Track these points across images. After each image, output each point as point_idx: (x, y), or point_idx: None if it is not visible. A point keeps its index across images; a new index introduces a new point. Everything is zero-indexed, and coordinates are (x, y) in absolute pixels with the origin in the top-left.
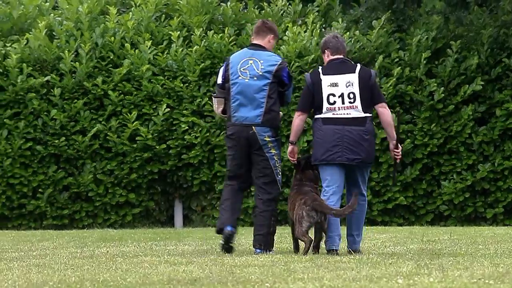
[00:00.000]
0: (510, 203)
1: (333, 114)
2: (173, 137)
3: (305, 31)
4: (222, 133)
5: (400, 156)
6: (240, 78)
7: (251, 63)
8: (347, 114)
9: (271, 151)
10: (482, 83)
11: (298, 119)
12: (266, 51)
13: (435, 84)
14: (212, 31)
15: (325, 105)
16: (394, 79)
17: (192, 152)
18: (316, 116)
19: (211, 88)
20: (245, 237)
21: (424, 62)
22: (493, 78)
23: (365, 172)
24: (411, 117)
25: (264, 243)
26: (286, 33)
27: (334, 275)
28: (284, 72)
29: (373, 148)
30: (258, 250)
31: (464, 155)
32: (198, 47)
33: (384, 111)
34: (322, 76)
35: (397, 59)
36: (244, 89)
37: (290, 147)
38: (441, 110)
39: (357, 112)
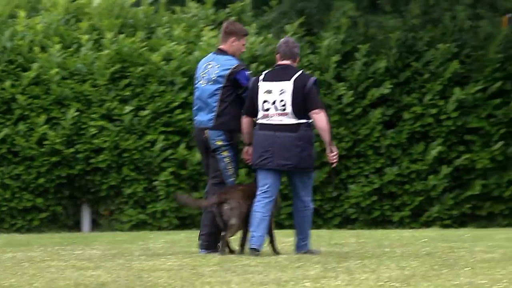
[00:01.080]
0: (417, 206)
1: (267, 120)
2: (81, 141)
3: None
4: (131, 137)
5: (335, 160)
6: (199, 83)
7: (209, 68)
8: (280, 120)
9: (222, 153)
10: (391, 86)
11: (244, 122)
12: (226, 55)
13: (344, 88)
14: (123, 35)
15: (260, 111)
16: None
17: (101, 156)
18: (256, 121)
19: (119, 92)
20: (153, 241)
21: (334, 65)
22: (401, 82)
23: (305, 178)
24: None
25: (207, 243)
26: (201, 38)
27: (242, 279)
28: (240, 75)
29: (309, 154)
30: (202, 251)
31: (372, 159)
32: (108, 50)
33: (316, 117)
34: (260, 83)
35: (308, 63)
36: (200, 94)
37: (244, 148)
38: (349, 113)
39: (289, 119)
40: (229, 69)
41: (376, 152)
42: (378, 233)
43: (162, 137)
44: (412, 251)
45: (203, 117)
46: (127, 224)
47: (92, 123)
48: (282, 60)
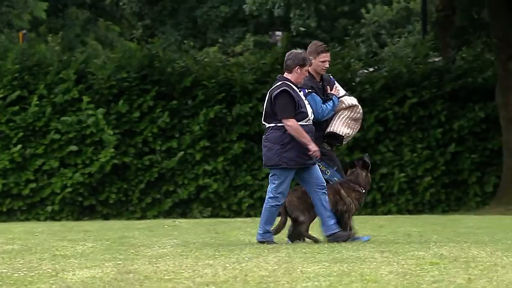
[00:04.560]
0: None
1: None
2: None
3: None
4: None
5: (315, 155)
6: None
7: None
8: (263, 125)
9: None
10: None
11: None
12: None
13: None
14: None
15: None
16: None
17: None
18: None
19: None
20: None
21: None
22: None
23: (273, 175)
24: None
25: None
26: None
27: None
28: None
29: (274, 154)
30: None
31: None
32: None
33: (286, 126)
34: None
35: None
36: None
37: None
38: None
39: (265, 123)
40: None
41: None
42: None
43: None
44: None
45: None
46: None
47: None
48: (285, 71)
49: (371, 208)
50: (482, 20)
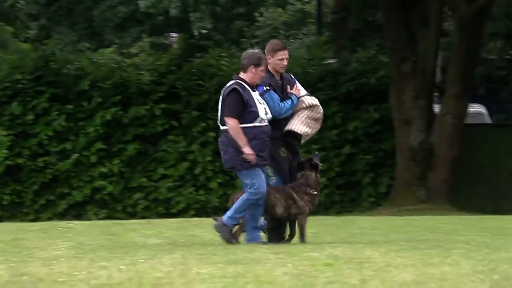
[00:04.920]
0: None
1: None
2: None
3: None
4: None
5: (249, 160)
6: None
7: None
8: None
9: None
10: None
11: None
12: None
13: None
14: None
15: None
16: None
17: None
18: None
19: None
20: None
21: None
22: None
23: (240, 177)
24: None
25: None
26: None
27: None
28: None
29: (229, 158)
30: None
31: None
32: None
33: (226, 125)
34: None
35: None
36: None
37: None
38: None
39: (220, 124)
40: None
41: None
42: None
43: None
44: None
45: None
46: None
47: None
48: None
49: None
50: (376, 22)
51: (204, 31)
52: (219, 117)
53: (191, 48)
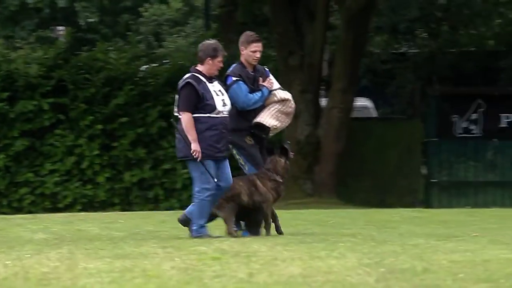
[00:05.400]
0: None
1: None
2: None
3: None
4: None
5: (196, 156)
6: None
7: None
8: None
9: None
10: None
11: None
12: None
13: None
14: None
15: None
16: None
17: None
18: None
19: None
20: None
21: None
22: None
23: (189, 168)
24: None
25: None
26: None
27: None
28: None
29: (183, 147)
30: None
31: None
32: None
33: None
34: None
35: None
36: None
37: None
38: None
39: (176, 114)
40: None
41: None
42: None
43: None
44: None
45: None
46: None
47: None
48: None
49: (153, 203)
50: (263, 16)
51: (90, 20)
52: (176, 106)
53: (78, 41)
